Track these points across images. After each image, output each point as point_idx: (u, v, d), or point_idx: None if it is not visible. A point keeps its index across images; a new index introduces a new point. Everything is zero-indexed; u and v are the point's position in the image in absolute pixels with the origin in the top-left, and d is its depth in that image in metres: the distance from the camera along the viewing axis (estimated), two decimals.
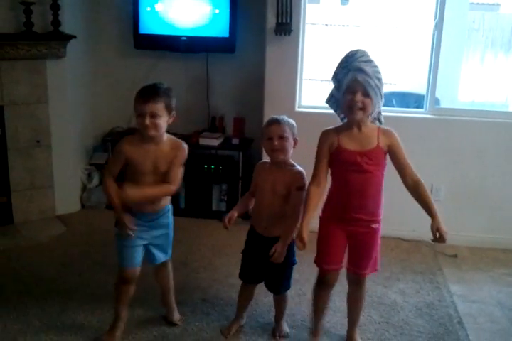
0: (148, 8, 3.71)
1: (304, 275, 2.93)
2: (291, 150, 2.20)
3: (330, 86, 2.18)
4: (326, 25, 5.83)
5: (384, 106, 2.15)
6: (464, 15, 5.60)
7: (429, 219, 3.41)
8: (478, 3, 6.02)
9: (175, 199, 3.91)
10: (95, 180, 3.97)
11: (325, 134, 2.12)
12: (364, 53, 2.02)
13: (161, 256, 2.34)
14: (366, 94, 1.97)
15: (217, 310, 2.62)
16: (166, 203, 2.29)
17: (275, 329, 2.44)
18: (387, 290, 2.86)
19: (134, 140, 2.21)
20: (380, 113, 2.12)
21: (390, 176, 2.12)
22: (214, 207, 3.86)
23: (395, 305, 2.71)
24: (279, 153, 2.17)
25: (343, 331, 2.42)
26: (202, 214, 3.83)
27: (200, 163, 3.86)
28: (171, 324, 2.47)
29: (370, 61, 2.01)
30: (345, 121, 2.15)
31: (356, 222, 2.11)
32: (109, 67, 4.01)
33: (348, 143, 2.06)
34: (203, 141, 3.80)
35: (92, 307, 2.61)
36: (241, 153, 3.71)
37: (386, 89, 2.11)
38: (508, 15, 5.92)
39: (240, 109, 3.91)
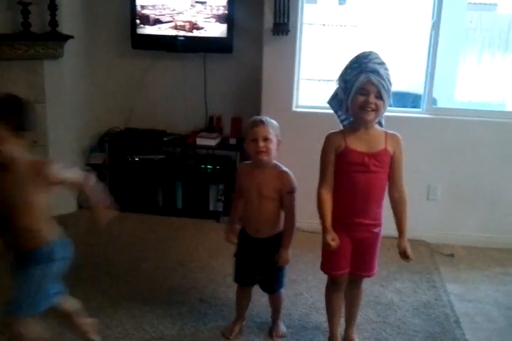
0: None
1: (301, 275, 2.94)
2: (274, 152, 2.20)
3: (331, 87, 2.17)
4: (324, 25, 5.84)
5: None
6: (461, 15, 5.62)
7: (426, 219, 3.44)
8: (475, 3, 6.03)
9: (172, 199, 3.94)
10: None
11: (330, 138, 2.10)
12: (377, 55, 2.01)
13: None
14: (379, 96, 1.96)
15: (214, 310, 2.62)
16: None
17: (272, 329, 2.45)
18: (384, 289, 2.87)
19: None
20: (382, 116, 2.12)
21: None
22: (211, 207, 3.86)
23: (391, 304, 2.72)
24: (263, 154, 2.16)
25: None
26: (199, 214, 3.83)
27: (197, 163, 3.86)
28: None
29: (383, 63, 2.00)
30: (345, 123, 2.15)
31: (359, 227, 2.11)
32: (106, 67, 4.01)
33: (356, 144, 2.05)
34: (200, 141, 3.80)
35: (88, 307, 2.59)
36: (238, 153, 3.71)
37: None
38: (505, 15, 5.93)
39: (237, 109, 3.92)
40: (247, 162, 2.33)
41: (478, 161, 3.41)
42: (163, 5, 3.68)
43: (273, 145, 2.18)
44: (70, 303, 2.13)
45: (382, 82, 1.95)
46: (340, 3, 6.37)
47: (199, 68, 3.87)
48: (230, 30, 3.64)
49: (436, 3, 3.34)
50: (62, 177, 1.86)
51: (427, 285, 2.95)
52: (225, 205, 3.80)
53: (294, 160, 3.51)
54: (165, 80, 3.98)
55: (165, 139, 3.88)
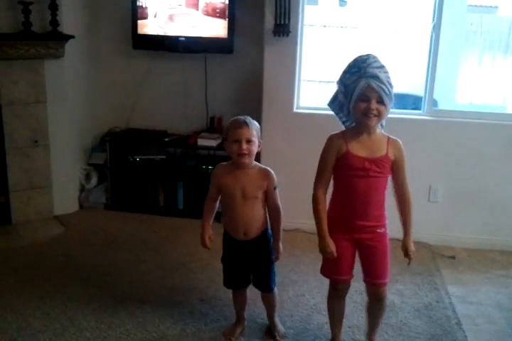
0: None
1: (302, 276, 2.94)
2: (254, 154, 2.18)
3: (332, 88, 2.16)
4: (324, 26, 5.83)
5: None
6: (461, 17, 5.62)
7: (427, 221, 3.43)
8: (476, 6, 6.04)
9: (173, 199, 3.93)
10: (93, 181, 3.97)
11: (332, 139, 2.09)
12: (376, 58, 1.99)
13: None
14: (381, 101, 1.95)
15: (215, 310, 2.62)
16: None
17: (272, 330, 2.44)
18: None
19: None
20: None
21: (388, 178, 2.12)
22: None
23: (393, 306, 2.71)
24: (246, 157, 2.14)
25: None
26: (200, 214, 3.78)
27: (198, 164, 3.86)
28: None
29: (383, 67, 1.98)
30: (348, 124, 2.14)
31: (361, 229, 2.10)
32: (107, 67, 4.01)
33: (357, 149, 2.03)
34: (201, 142, 3.80)
35: (90, 308, 2.60)
36: None
37: None
38: (505, 18, 5.94)
39: (238, 109, 3.89)
40: (225, 163, 2.29)
41: (479, 163, 3.41)
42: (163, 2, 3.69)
43: (255, 148, 2.16)
44: None
45: (383, 86, 1.93)
46: (340, 5, 6.37)
47: (200, 69, 3.86)
48: (230, 31, 3.64)
49: (436, 5, 3.34)
50: None
51: (428, 287, 2.94)
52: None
53: (294, 161, 3.53)
54: (166, 80, 3.98)
55: (166, 139, 3.87)
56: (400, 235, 2.14)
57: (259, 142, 2.18)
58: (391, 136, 2.10)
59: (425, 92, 3.49)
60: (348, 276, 2.18)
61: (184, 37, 3.70)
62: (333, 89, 2.16)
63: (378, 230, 2.11)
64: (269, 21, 3.37)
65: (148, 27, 3.75)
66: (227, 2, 3.59)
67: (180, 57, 3.83)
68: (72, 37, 3.51)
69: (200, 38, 3.69)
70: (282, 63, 3.46)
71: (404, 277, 3.02)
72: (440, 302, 2.78)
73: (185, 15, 3.69)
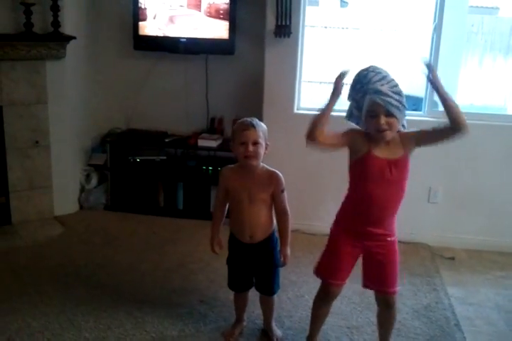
0: None
1: (301, 277, 2.94)
2: (262, 156, 2.17)
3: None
4: (325, 27, 5.82)
5: None
6: (462, 19, 5.60)
7: (427, 222, 3.44)
8: (477, 7, 6.02)
9: (173, 200, 3.94)
10: (93, 181, 3.97)
11: (354, 132, 2.05)
12: (376, 70, 1.97)
13: None
14: (389, 115, 1.93)
15: (214, 311, 2.62)
16: None
17: (270, 333, 2.43)
18: None
19: None
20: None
21: None
22: (212, 209, 3.84)
23: None
24: (253, 159, 2.13)
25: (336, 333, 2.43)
26: (200, 215, 3.83)
27: (198, 165, 3.87)
28: None
29: (384, 77, 1.96)
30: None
31: (372, 237, 2.07)
32: (108, 68, 4.02)
33: (379, 152, 2.00)
34: (201, 142, 3.81)
35: (89, 308, 2.60)
36: None
37: None
38: (507, 19, 5.92)
39: (239, 110, 3.91)
40: (231, 165, 2.28)
41: (479, 164, 3.41)
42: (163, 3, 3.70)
43: (262, 150, 2.14)
44: None
45: (388, 99, 1.91)
46: (341, 6, 6.36)
47: (201, 70, 3.87)
48: (232, 31, 3.64)
49: (438, 6, 3.35)
50: None
51: (427, 288, 2.95)
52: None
53: (295, 163, 3.53)
54: (167, 81, 3.99)
55: (166, 140, 3.88)
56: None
57: (267, 144, 2.16)
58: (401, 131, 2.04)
59: (426, 93, 3.50)
60: (343, 282, 2.16)
61: (185, 38, 3.71)
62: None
63: (388, 238, 2.09)
64: (271, 22, 3.38)
65: (149, 28, 3.75)
66: (228, 3, 3.59)
67: (182, 58, 3.84)
68: (74, 38, 3.51)
69: (202, 39, 3.69)
70: (283, 64, 3.47)
71: (403, 278, 3.01)
72: (439, 303, 2.79)
73: (186, 17, 3.70)
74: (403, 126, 2.09)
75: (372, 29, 5.53)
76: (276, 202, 2.21)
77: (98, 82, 4.01)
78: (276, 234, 2.29)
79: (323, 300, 2.24)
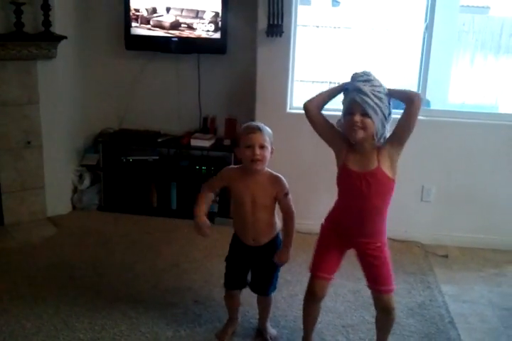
0: None
1: (295, 276, 2.94)
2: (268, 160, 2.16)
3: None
4: (317, 26, 5.84)
5: None
6: (454, 18, 5.64)
7: (420, 220, 3.45)
8: (468, 6, 6.07)
9: (167, 200, 3.92)
10: (86, 182, 3.95)
11: (342, 134, 2.05)
12: (365, 73, 1.98)
13: None
14: (365, 114, 1.93)
15: (209, 311, 2.62)
16: None
17: (264, 333, 2.43)
18: None
19: None
20: (385, 137, 2.01)
21: None
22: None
23: None
24: (259, 163, 2.12)
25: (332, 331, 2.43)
26: (193, 215, 3.81)
27: (191, 164, 3.86)
28: None
29: (370, 80, 1.95)
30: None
31: (359, 244, 2.09)
32: (100, 68, 4.00)
33: (352, 164, 2.01)
34: (194, 142, 3.80)
35: (83, 309, 2.59)
36: (233, 155, 3.71)
37: None
38: (497, 18, 5.97)
39: (231, 110, 3.91)
40: (234, 166, 2.28)
41: (471, 163, 3.43)
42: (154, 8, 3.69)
43: (268, 154, 2.14)
44: None
45: (367, 99, 1.91)
46: (333, 5, 6.38)
47: (193, 69, 3.86)
48: (223, 31, 3.64)
49: (429, 5, 3.36)
50: None
51: (421, 286, 2.96)
52: (219, 206, 3.79)
53: (287, 162, 3.53)
54: (159, 81, 3.97)
55: (159, 140, 3.87)
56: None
57: (272, 148, 2.16)
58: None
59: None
60: (326, 275, 2.13)
61: (177, 37, 3.70)
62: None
63: (376, 243, 2.08)
64: (262, 21, 3.38)
65: (140, 27, 3.74)
66: (220, 3, 3.59)
67: (173, 58, 3.83)
68: (65, 37, 3.49)
69: (193, 38, 3.69)
70: (275, 63, 3.46)
71: (397, 276, 3.01)
72: (433, 301, 2.80)
73: (178, 17, 3.69)
74: (384, 138, 2.02)
75: (364, 28, 5.55)
76: (280, 205, 2.21)
77: (90, 81, 3.99)
78: (281, 237, 2.28)
79: (310, 301, 2.21)
